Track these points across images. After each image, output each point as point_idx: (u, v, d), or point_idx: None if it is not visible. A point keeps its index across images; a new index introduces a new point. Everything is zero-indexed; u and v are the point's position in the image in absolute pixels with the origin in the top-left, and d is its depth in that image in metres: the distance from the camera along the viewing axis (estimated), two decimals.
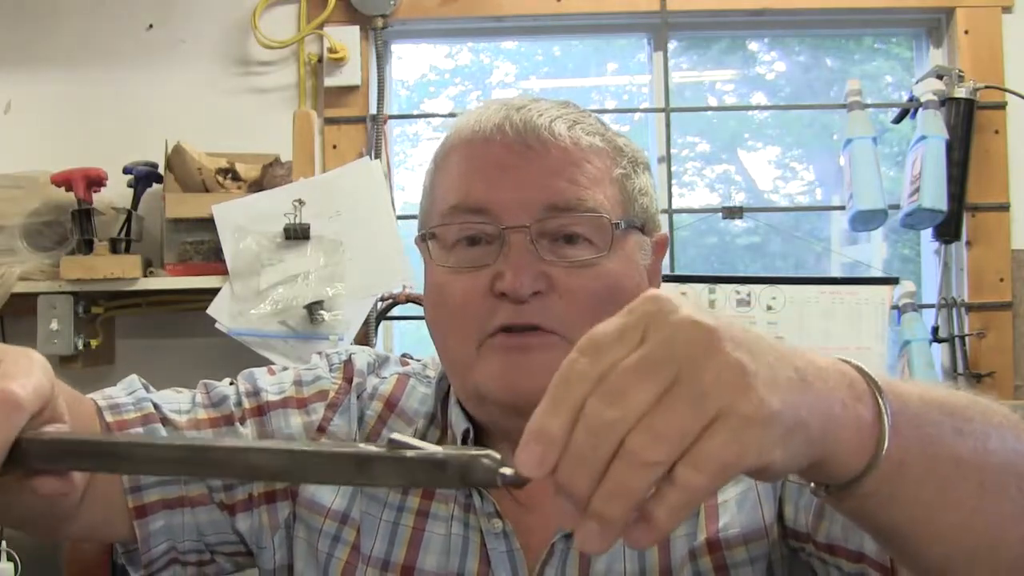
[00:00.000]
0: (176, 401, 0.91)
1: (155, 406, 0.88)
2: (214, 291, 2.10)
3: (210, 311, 2.09)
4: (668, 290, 0.51)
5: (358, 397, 0.93)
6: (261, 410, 0.91)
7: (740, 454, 0.46)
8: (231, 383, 0.94)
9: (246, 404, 0.91)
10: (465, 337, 0.82)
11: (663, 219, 2.33)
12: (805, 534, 0.78)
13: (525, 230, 0.80)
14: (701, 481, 0.46)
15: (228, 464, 0.52)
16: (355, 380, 0.94)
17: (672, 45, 2.48)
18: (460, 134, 0.86)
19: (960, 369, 2.24)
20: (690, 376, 0.46)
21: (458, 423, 0.88)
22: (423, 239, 0.87)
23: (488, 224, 0.81)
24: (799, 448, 0.50)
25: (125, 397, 0.88)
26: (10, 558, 1.87)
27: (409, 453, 0.49)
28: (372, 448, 0.49)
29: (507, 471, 0.48)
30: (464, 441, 0.87)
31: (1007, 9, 2.33)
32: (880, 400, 0.55)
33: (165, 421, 0.88)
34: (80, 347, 2.13)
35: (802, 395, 0.50)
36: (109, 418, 0.86)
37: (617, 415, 0.46)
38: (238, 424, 0.90)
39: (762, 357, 0.49)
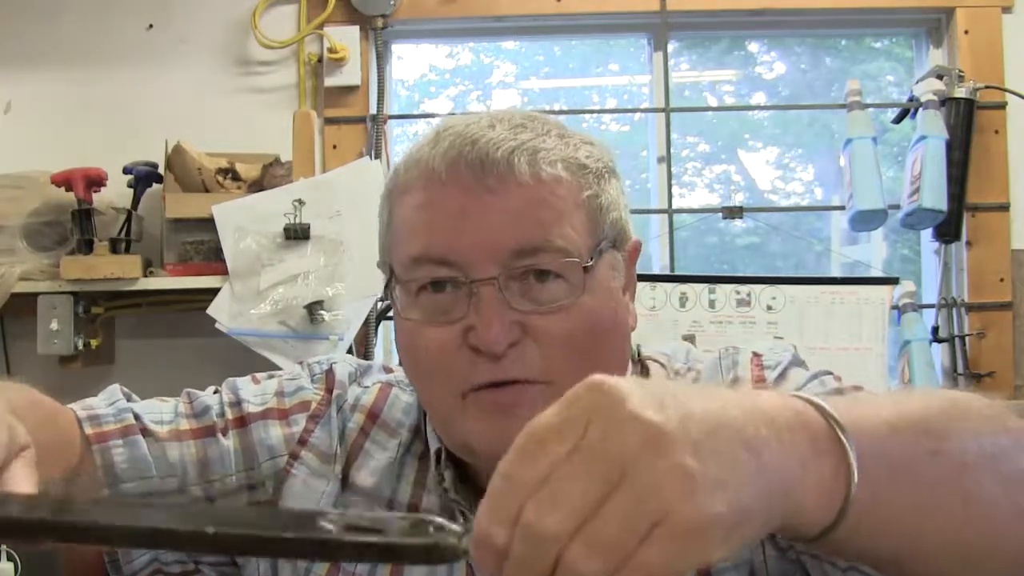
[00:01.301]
0: (159, 411, 0.90)
1: (136, 416, 0.88)
2: (214, 291, 2.10)
3: (210, 311, 2.09)
4: (617, 380, 0.48)
5: (339, 410, 0.91)
6: (243, 421, 0.90)
7: (679, 563, 0.45)
8: (215, 391, 0.93)
9: (228, 415, 0.90)
10: (446, 390, 0.79)
11: (663, 219, 2.34)
12: None
13: (493, 282, 0.76)
14: None
15: (189, 545, 0.52)
16: (335, 392, 0.92)
17: (672, 45, 2.48)
18: (415, 171, 0.81)
19: (960, 369, 2.24)
20: (630, 480, 0.45)
21: (432, 442, 0.87)
22: (387, 284, 0.84)
23: (455, 275, 0.78)
24: (749, 528, 0.49)
25: (105, 408, 0.88)
26: (10, 558, 1.87)
27: (369, 539, 0.47)
28: (333, 533, 0.48)
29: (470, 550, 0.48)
30: (438, 461, 0.85)
31: (1007, 9, 2.33)
32: (845, 443, 0.53)
33: (145, 432, 0.87)
34: (80, 347, 2.13)
35: (754, 477, 0.48)
36: (88, 430, 0.85)
37: (552, 527, 0.45)
38: (220, 435, 0.89)
39: (710, 448, 0.47)
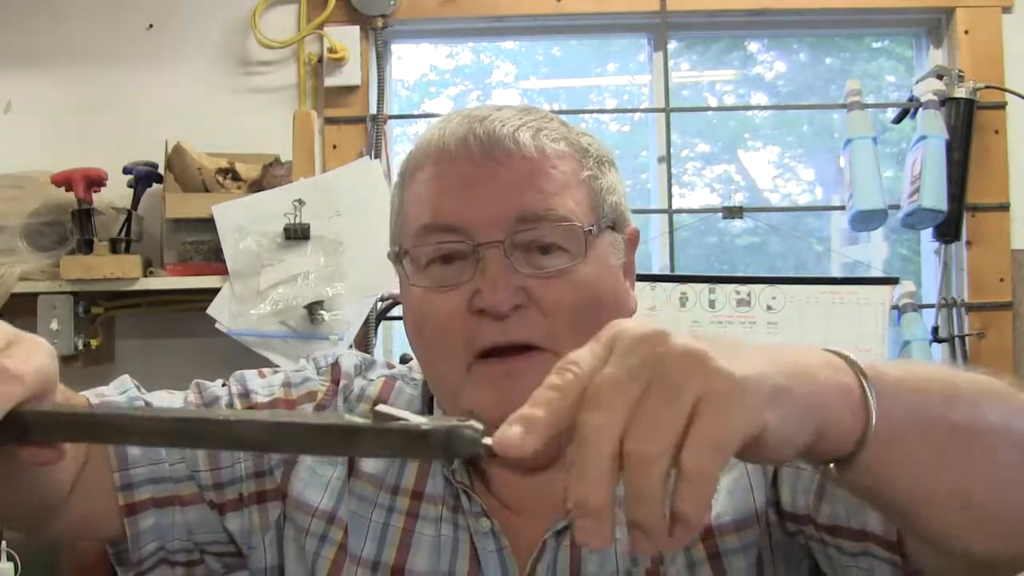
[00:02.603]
0: (168, 402, 0.92)
1: (147, 405, 0.89)
2: (214, 291, 2.10)
3: (210, 311, 2.09)
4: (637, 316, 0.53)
5: (345, 399, 0.93)
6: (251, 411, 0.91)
7: (731, 427, 0.49)
8: (223, 384, 0.95)
9: (237, 405, 0.92)
10: (453, 359, 0.81)
11: (663, 219, 2.34)
12: (805, 516, 0.78)
13: (499, 245, 0.80)
14: (705, 463, 0.48)
15: (216, 435, 0.54)
16: (342, 382, 0.94)
17: (672, 45, 2.48)
18: (425, 151, 0.85)
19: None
20: (660, 375, 0.49)
21: None
22: (397, 259, 0.87)
23: (461, 242, 0.81)
24: (791, 413, 0.52)
25: (117, 396, 0.89)
26: (10, 558, 1.87)
27: (393, 425, 0.51)
28: (357, 420, 0.52)
29: (489, 441, 0.51)
30: None
31: (1007, 9, 2.33)
32: (864, 383, 0.56)
33: None
34: (80, 347, 2.13)
35: (772, 363, 0.52)
36: None
37: (606, 419, 0.49)
38: None
39: (719, 342, 0.51)
